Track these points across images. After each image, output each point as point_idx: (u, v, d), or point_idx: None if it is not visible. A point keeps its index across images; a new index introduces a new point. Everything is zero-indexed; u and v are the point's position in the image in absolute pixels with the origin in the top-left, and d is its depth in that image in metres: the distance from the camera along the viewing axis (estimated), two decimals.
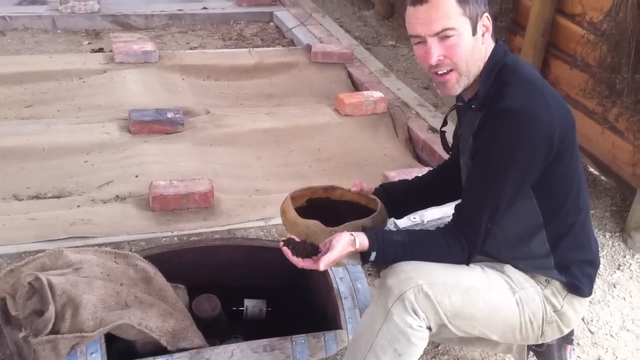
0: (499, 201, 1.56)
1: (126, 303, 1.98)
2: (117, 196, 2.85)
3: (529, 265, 1.69)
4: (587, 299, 1.73)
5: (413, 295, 1.56)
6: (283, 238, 1.62)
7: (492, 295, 1.63)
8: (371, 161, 3.43)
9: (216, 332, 2.42)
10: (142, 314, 1.92)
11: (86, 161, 3.15)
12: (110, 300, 1.96)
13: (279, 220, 2.73)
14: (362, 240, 1.57)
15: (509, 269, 1.69)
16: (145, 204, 2.78)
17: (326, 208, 1.98)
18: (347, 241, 1.55)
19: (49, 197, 2.90)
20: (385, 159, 3.47)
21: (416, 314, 1.57)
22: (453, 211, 1.65)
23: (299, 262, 1.55)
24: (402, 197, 1.95)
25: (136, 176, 3.02)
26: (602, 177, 3.35)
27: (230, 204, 2.84)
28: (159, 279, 2.29)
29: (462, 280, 1.61)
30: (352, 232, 1.58)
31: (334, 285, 2.21)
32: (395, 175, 2.96)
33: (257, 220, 2.72)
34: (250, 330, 2.57)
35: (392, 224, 2.47)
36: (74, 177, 3.02)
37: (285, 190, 3.05)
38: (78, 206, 2.77)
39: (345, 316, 2.16)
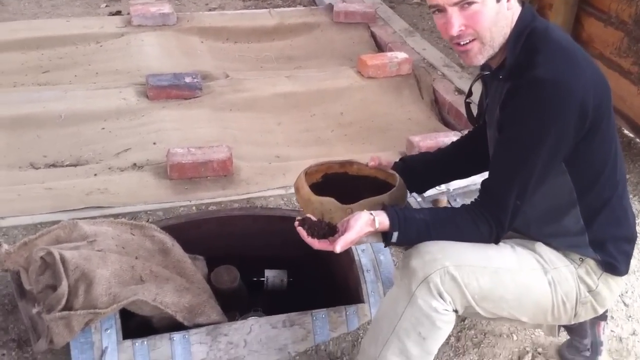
0: (529, 178, 1.46)
1: (141, 277, 1.92)
2: (135, 164, 2.79)
3: (561, 243, 1.59)
4: (624, 277, 1.63)
5: (439, 278, 1.47)
6: (299, 217, 1.53)
7: (523, 276, 1.53)
8: (395, 125, 3.32)
9: (235, 304, 2.37)
10: (157, 289, 1.86)
11: (103, 128, 3.09)
12: (125, 275, 1.90)
13: None
14: (382, 220, 1.48)
15: (541, 247, 1.59)
16: (162, 172, 2.71)
17: (343, 184, 1.89)
18: (365, 221, 1.46)
19: (66, 166, 2.85)
20: (409, 123, 3.35)
21: (442, 297, 1.48)
22: (479, 186, 1.55)
23: (315, 244, 1.47)
24: (423, 170, 1.85)
25: (154, 143, 2.95)
26: (637, 140, 3.20)
27: (250, 172, 2.76)
28: (177, 250, 2.24)
29: (491, 261, 1.52)
30: (372, 212, 1.49)
31: (356, 258, 2.13)
32: (419, 141, 2.86)
33: (277, 188, 2.65)
34: (271, 301, 2.52)
35: (414, 196, 2.38)
36: (90, 145, 2.96)
37: (306, 156, 2.97)
38: (95, 175, 2.72)
39: (368, 289, 2.09)
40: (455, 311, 1.53)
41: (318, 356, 1.97)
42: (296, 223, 1.51)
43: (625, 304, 2.28)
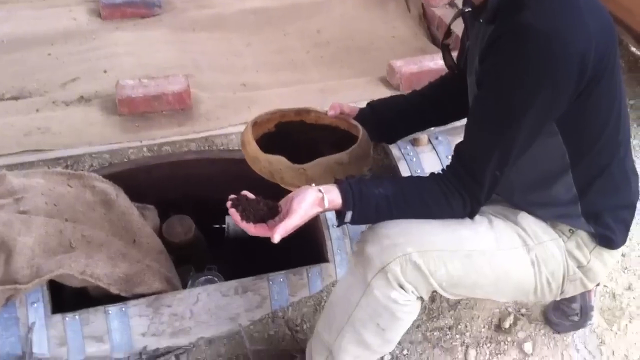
0: (511, 146, 1.19)
1: (70, 243, 1.69)
2: (82, 97, 2.49)
3: (549, 213, 1.33)
4: (620, 250, 1.39)
5: (399, 268, 1.23)
6: (232, 196, 1.27)
7: (501, 257, 1.29)
8: (377, 44, 2.98)
9: (191, 258, 2.15)
10: (87, 259, 1.63)
11: (50, 54, 2.77)
12: (52, 241, 1.67)
13: None
14: (332, 198, 1.22)
15: (525, 218, 1.34)
16: (112, 106, 2.42)
17: (299, 134, 1.63)
18: (312, 201, 1.20)
19: (7, 99, 2.55)
20: (393, 42, 3.02)
21: (402, 288, 1.25)
22: (453, 149, 1.28)
23: (250, 229, 1.22)
24: (394, 118, 1.57)
25: (104, 71, 2.64)
26: None
27: (211, 105, 2.47)
28: (121, 201, 2.00)
29: (463, 242, 1.27)
30: (320, 187, 1.23)
31: None
32: (401, 66, 2.54)
33: (239, 124, 2.36)
34: (235, 251, 2.30)
35: None
36: (35, 74, 2.65)
37: (276, 84, 2.66)
38: (37, 110, 2.43)
39: (333, 247, 1.86)
40: (421, 298, 1.30)
41: (275, 324, 1.77)
42: (228, 203, 1.25)
43: (622, 254, 2.05)
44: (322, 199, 1.20)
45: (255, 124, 1.57)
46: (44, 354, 1.63)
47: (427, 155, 2.12)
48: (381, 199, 1.24)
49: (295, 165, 1.45)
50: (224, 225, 2.31)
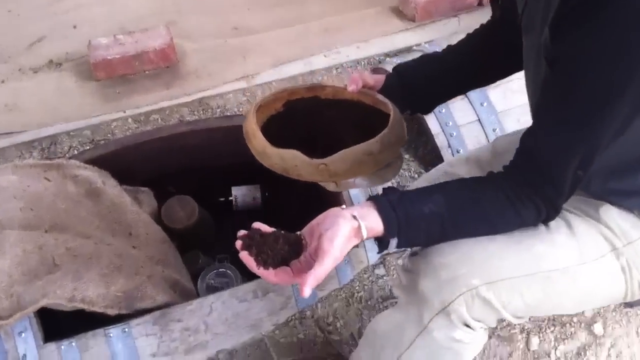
0: (601, 138, 0.90)
1: (53, 260, 1.43)
2: (51, 61, 2.17)
3: (637, 203, 1.06)
4: None
5: (464, 306, 0.97)
6: (240, 233, 0.98)
7: (587, 272, 1.02)
8: None
9: (197, 242, 1.90)
10: (74, 282, 1.37)
11: (10, 10, 2.41)
12: (31, 261, 1.40)
13: (265, 77, 2.07)
14: (371, 225, 0.94)
15: (608, 212, 1.06)
16: (86, 70, 2.10)
17: (313, 114, 1.32)
18: (347, 234, 0.92)
19: None
20: None
21: (469, 326, 0.99)
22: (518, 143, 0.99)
23: (270, 277, 0.93)
24: (427, 84, 1.27)
25: (74, 27, 2.30)
26: None
27: (200, 58, 2.14)
28: (109, 189, 1.73)
29: (540, 262, 1.00)
30: (355, 211, 0.94)
31: None
32: None
33: (236, 80, 2.05)
34: (245, 226, 2.05)
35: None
36: None
37: (273, 24, 2.31)
38: (2, 82, 2.11)
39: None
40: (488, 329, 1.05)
41: (303, 326, 1.53)
42: (238, 243, 0.96)
43: None
44: (359, 228, 0.92)
45: (260, 107, 1.27)
46: None
47: (458, 104, 1.82)
48: (432, 219, 0.96)
49: (314, 160, 1.16)
50: (230, 198, 2.05)
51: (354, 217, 0.92)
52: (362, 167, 1.18)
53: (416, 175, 1.84)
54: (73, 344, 1.41)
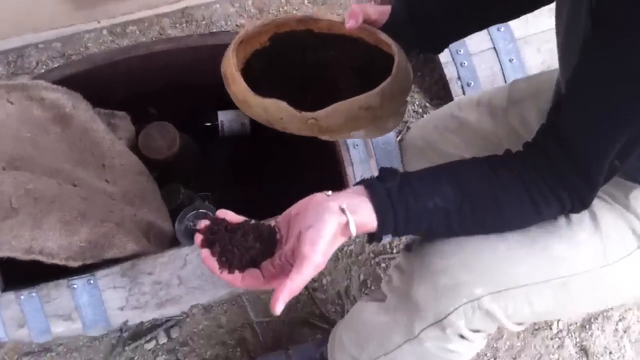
0: None
1: (11, 203, 1.28)
2: None
3: None
4: None
5: (463, 320, 0.83)
6: (202, 223, 0.81)
7: (610, 275, 0.86)
8: None
9: (178, 173, 1.75)
10: (32, 231, 1.23)
11: None
12: None
13: None
14: (363, 220, 0.77)
15: (639, 197, 0.89)
16: None
17: (305, 51, 1.13)
18: (331, 232, 0.75)
19: None
20: None
21: (466, 338, 0.85)
22: (544, 123, 0.82)
23: (236, 282, 0.77)
24: (440, 16, 1.05)
25: None
26: None
27: None
28: (81, 114, 1.55)
29: (557, 266, 0.84)
30: (344, 202, 0.77)
31: None
32: None
33: None
34: (232, 154, 1.89)
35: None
36: None
37: None
38: None
39: (354, 173, 1.44)
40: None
41: None
42: (197, 239, 0.80)
43: None
44: (347, 224, 0.76)
45: (242, 43, 1.08)
46: (2, 338, 1.30)
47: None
48: (437, 215, 0.79)
49: (302, 114, 0.99)
50: (216, 123, 1.87)
51: (342, 210, 0.76)
52: (359, 122, 1.01)
53: (420, 110, 1.66)
54: (33, 294, 1.30)
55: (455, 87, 1.58)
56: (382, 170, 0.82)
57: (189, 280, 1.35)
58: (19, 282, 1.33)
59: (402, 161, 1.45)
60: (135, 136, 1.69)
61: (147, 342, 1.33)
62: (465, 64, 1.57)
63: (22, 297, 1.29)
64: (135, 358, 1.32)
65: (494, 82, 1.57)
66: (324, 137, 1.04)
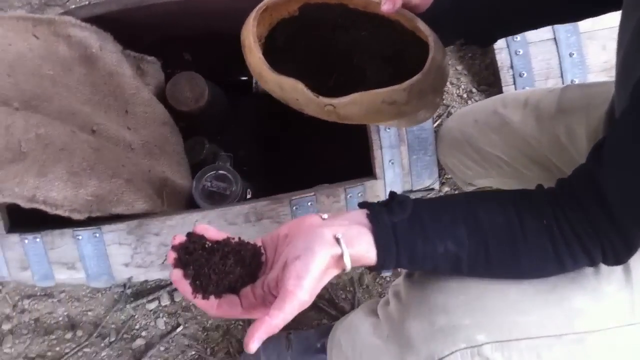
0: None
1: (20, 146, 1.23)
2: None
3: None
4: None
5: None
6: (176, 239, 0.73)
7: (634, 332, 0.78)
8: None
9: (204, 127, 1.69)
10: (38, 179, 1.18)
11: None
12: None
13: None
14: (360, 254, 0.69)
15: None
16: None
17: (335, 30, 1.03)
18: (321, 267, 0.66)
19: None
20: None
21: None
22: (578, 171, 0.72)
23: (210, 309, 0.69)
24: (489, 8, 0.95)
25: None
26: None
27: None
28: (107, 56, 1.50)
29: (574, 319, 0.75)
30: (340, 232, 0.69)
31: None
32: None
33: None
34: (264, 112, 1.81)
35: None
36: None
37: None
38: None
39: (384, 159, 1.36)
40: None
41: None
42: (170, 257, 0.72)
43: None
44: (341, 257, 0.68)
45: (266, 10, 0.99)
46: (4, 277, 1.29)
47: None
48: (446, 259, 0.71)
49: (320, 98, 0.91)
50: (251, 78, 1.79)
51: (337, 240, 0.68)
52: (381, 116, 0.93)
53: (465, 95, 1.55)
54: (38, 239, 1.27)
55: (506, 76, 1.46)
56: (392, 198, 0.73)
57: None
58: (25, 224, 1.30)
59: (437, 150, 1.36)
60: (164, 84, 1.62)
61: (150, 302, 1.29)
62: (521, 53, 1.45)
63: (26, 240, 1.27)
64: (136, 316, 1.29)
65: (549, 77, 1.45)
66: (344, 122, 0.96)
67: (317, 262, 0.66)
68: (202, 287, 0.69)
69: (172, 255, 0.71)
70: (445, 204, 0.74)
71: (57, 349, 1.23)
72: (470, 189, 1.34)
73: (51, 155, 1.22)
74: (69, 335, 1.24)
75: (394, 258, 0.69)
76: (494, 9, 0.95)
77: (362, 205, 0.74)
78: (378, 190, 1.36)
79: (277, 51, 0.97)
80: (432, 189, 1.40)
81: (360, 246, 0.68)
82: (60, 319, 1.26)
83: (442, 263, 0.71)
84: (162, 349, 1.26)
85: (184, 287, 0.69)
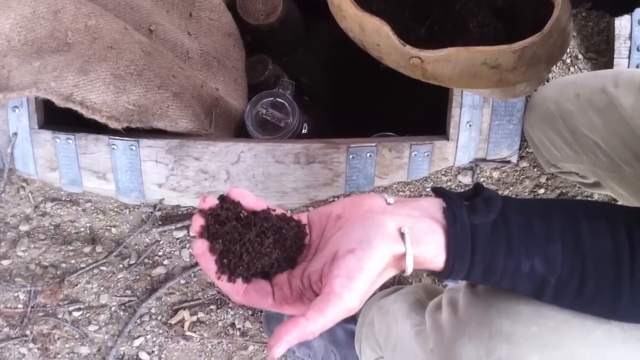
0: None
1: (66, 37, 1.11)
2: None
3: None
4: None
5: None
6: (204, 202, 0.60)
7: None
8: None
9: (272, 44, 1.54)
10: (78, 76, 1.06)
11: None
12: (39, 29, 1.10)
13: None
14: (426, 256, 0.56)
15: None
16: None
17: None
18: (379, 266, 0.53)
19: None
20: None
21: None
22: None
23: (235, 296, 0.57)
24: None
25: None
26: None
27: None
28: None
29: None
30: (407, 225, 0.55)
31: None
32: None
33: None
34: (338, 43, 1.64)
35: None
36: None
37: None
38: None
39: (460, 118, 1.19)
40: None
41: None
42: (195, 223, 0.59)
43: None
44: (403, 257, 0.54)
45: None
46: (31, 175, 1.20)
47: None
48: (529, 281, 0.56)
49: (406, 47, 0.76)
50: None
51: (402, 234, 0.54)
52: (478, 80, 0.77)
53: (569, 61, 1.34)
54: (70, 141, 1.16)
55: (621, 47, 1.26)
56: (477, 192, 0.58)
57: (238, 179, 1.18)
58: (59, 123, 1.20)
59: (524, 119, 1.18)
60: None
61: (178, 229, 1.19)
62: None
63: (58, 140, 1.17)
64: (161, 242, 1.19)
65: None
66: (429, 81, 0.80)
67: (375, 260, 0.53)
68: (229, 267, 0.57)
69: (199, 221, 0.59)
70: (541, 210, 0.59)
71: (73, 261, 1.15)
72: (553, 170, 1.17)
73: (97, 52, 1.09)
74: (87, 249, 1.15)
75: (466, 269, 0.55)
76: None
77: (438, 192, 0.59)
78: (447, 153, 1.20)
79: None
80: (509, 162, 1.23)
81: (428, 247, 0.55)
82: (82, 229, 1.17)
83: (522, 284, 0.57)
84: (182, 282, 1.17)
85: (208, 263, 0.57)
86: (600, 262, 0.55)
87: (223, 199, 0.60)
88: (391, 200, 0.59)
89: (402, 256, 0.54)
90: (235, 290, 0.57)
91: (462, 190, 0.67)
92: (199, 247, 0.58)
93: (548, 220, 0.57)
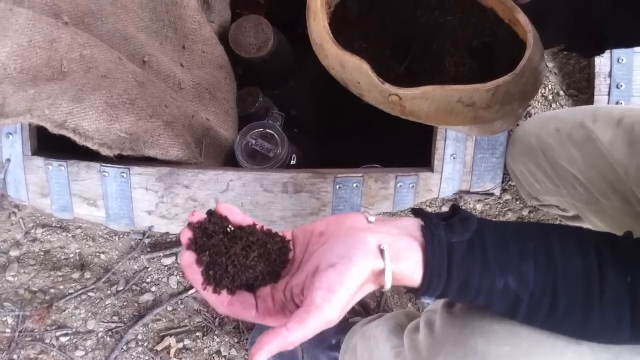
0: None
1: (62, 67, 1.14)
2: None
3: None
4: None
5: None
6: (193, 216, 0.63)
7: None
8: None
9: (262, 76, 1.57)
10: (72, 104, 1.09)
11: None
12: (34, 57, 1.12)
13: None
14: (404, 273, 0.58)
15: None
16: None
17: (422, 8, 0.90)
18: (358, 281, 0.56)
19: None
20: None
21: None
22: None
23: (219, 307, 0.59)
24: (605, 9, 0.80)
25: None
26: None
27: None
28: None
29: None
30: (386, 242, 0.57)
31: None
32: None
33: None
34: (327, 76, 1.68)
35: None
36: None
37: None
38: None
39: (445, 150, 1.22)
40: None
41: None
42: (184, 236, 0.63)
43: None
44: (382, 273, 0.57)
45: None
46: (23, 201, 1.22)
47: None
48: (503, 298, 0.59)
49: (385, 85, 0.79)
50: None
51: (381, 251, 0.56)
52: (454, 118, 0.80)
53: (550, 97, 1.38)
54: (62, 168, 1.19)
55: (601, 84, 1.30)
56: (453, 212, 0.61)
57: None
58: (51, 151, 1.23)
59: (506, 153, 1.22)
60: (229, 24, 1.51)
61: (166, 256, 1.20)
62: (623, 61, 1.28)
63: (50, 166, 1.19)
64: (149, 269, 1.20)
65: None
66: (407, 118, 0.83)
67: (355, 275, 0.55)
68: (215, 278, 0.59)
69: (187, 234, 0.61)
70: (516, 231, 0.62)
71: (61, 287, 1.16)
72: (535, 203, 1.20)
73: (91, 81, 1.12)
74: (76, 275, 1.16)
75: (442, 285, 0.57)
76: (607, 17, 0.80)
77: (417, 213, 0.62)
78: (432, 185, 1.23)
79: (345, 22, 0.84)
80: (492, 194, 1.26)
81: (407, 263, 0.57)
82: (72, 255, 1.19)
83: (497, 301, 0.59)
84: (169, 308, 1.18)
85: (194, 274, 0.60)
86: (571, 281, 0.58)
87: (211, 213, 0.63)
88: (372, 218, 0.61)
89: (381, 272, 0.57)
90: (220, 301, 0.59)
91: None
92: (187, 259, 0.60)
93: (522, 241, 0.60)
